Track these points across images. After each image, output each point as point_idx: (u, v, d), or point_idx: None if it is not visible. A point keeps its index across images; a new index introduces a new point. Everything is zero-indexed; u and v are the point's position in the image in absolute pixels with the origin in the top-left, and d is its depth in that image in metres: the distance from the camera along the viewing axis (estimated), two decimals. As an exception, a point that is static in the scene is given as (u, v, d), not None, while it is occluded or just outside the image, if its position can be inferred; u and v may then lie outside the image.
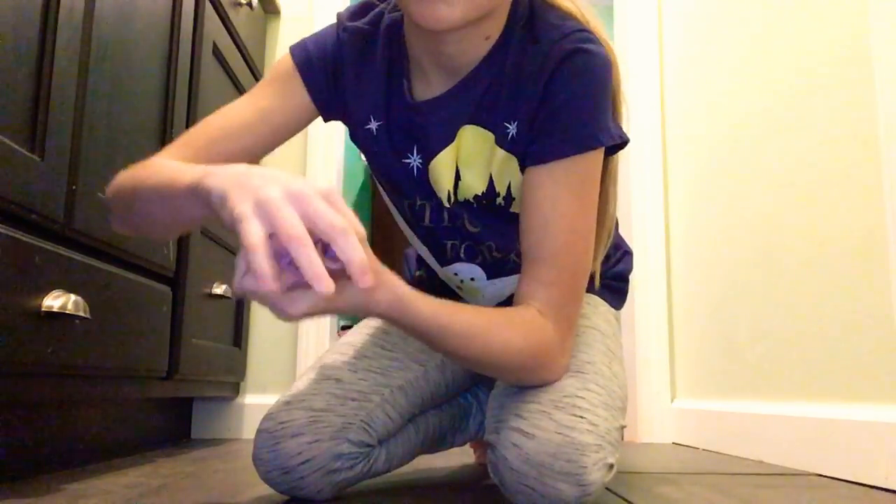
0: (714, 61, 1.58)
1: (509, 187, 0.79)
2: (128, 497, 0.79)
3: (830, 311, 1.08)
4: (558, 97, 0.71)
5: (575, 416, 0.67)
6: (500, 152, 0.77)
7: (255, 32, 1.80)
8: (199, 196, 0.55)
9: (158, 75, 1.21)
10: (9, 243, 0.77)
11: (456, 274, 0.88)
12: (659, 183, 1.83)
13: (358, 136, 0.83)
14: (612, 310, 0.93)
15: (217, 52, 1.48)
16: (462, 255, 0.86)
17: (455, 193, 0.80)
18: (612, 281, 0.96)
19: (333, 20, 0.83)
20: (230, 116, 0.78)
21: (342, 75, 0.80)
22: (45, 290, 0.83)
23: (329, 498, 0.78)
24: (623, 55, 1.94)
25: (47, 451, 1.01)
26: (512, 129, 0.75)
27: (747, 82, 1.40)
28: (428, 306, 0.64)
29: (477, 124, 0.77)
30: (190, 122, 1.33)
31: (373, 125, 0.80)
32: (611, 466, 0.69)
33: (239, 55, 1.66)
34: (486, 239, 0.83)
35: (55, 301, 0.84)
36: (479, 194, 0.79)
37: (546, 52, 0.72)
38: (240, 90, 1.67)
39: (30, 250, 0.81)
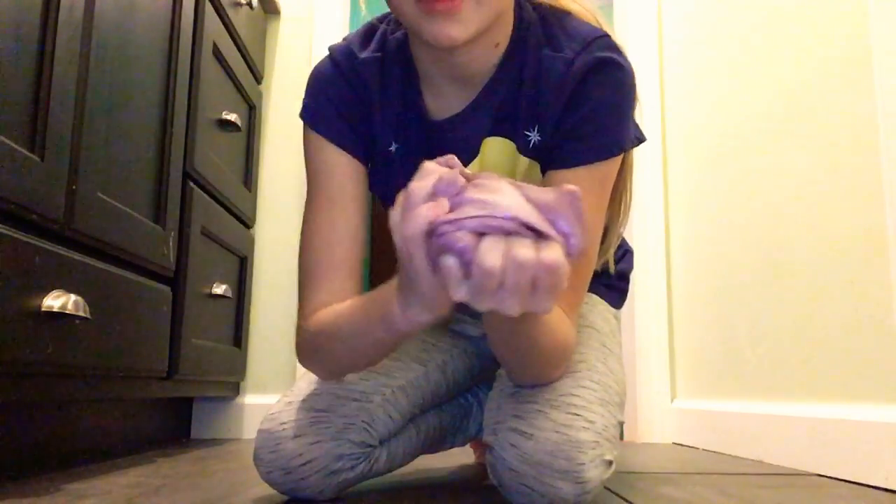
0: (714, 61, 1.58)
1: None
2: (128, 497, 0.79)
3: (830, 311, 1.08)
4: (587, 105, 0.71)
5: (571, 413, 0.68)
6: (524, 160, 0.77)
7: (255, 32, 1.80)
8: (393, 316, 0.57)
9: (158, 75, 1.21)
10: (9, 243, 0.77)
11: None
12: (659, 183, 1.83)
13: (379, 163, 0.81)
14: (611, 308, 0.93)
15: (217, 52, 1.48)
16: None
17: None
18: (614, 280, 0.96)
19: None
20: (319, 226, 0.77)
21: (354, 107, 0.78)
22: (45, 290, 0.83)
23: (330, 498, 0.78)
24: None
25: (47, 451, 1.01)
26: (534, 136, 0.75)
27: (747, 82, 1.40)
28: None
29: (498, 135, 0.77)
30: (190, 121, 1.33)
31: (393, 147, 0.80)
32: (609, 463, 0.69)
33: (239, 55, 1.66)
34: None
35: (55, 301, 0.84)
36: None
37: (571, 60, 0.72)
38: (240, 90, 1.67)
39: (30, 250, 0.81)
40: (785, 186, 1.23)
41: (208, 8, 1.42)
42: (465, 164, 0.78)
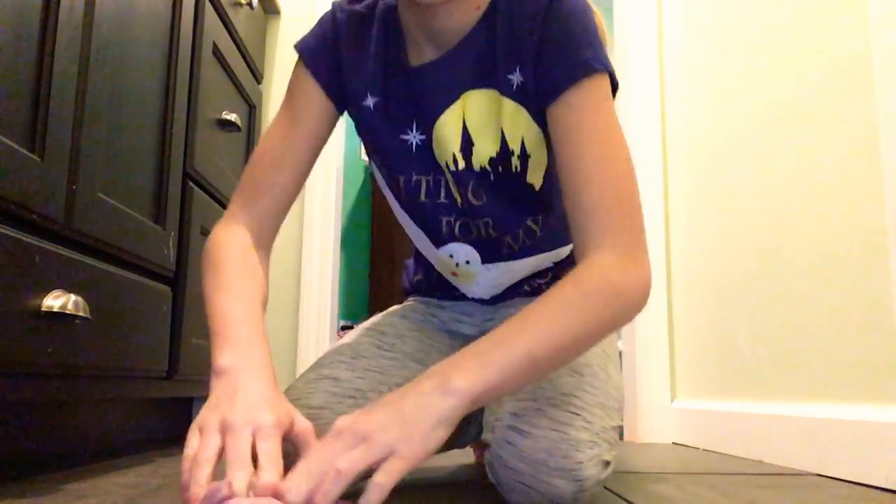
0: (714, 61, 1.58)
1: (523, 144, 0.79)
2: (128, 497, 0.79)
3: (830, 311, 1.08)
4: (556, 32, 0.73)
5: (570, 412, 0.68)
6: (509, 103, 0.77)
7: (255, 32, 1.80)
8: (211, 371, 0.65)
9: (158, 75, 1.21)
10: (9, 243, 0.77)
11: (451, 256, 0.89)
12: (659, 183, 1.83)
13: (357, 118, 0.85)
14: None
15: (217, 52, 1.48)
16: (457, 233, 0.86)
17: (469, 160, 0.80)
18: None
19: None
20: (273, 144, 0.81)
21: (340, 55, 0.83)
22: (45, 290, 0.83)
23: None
24: (623, 55, 1.94)
25: (47, 451, 1.01)
26: (516, 78, 0.76)
27: (747, 82, 1.40)
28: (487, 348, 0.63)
29: (480, 87, 0.78)
30: (190, 121, 1.33)
31: (370, 101, 0.82)
32: (607, 463, 0.69)
33: (239, 55, 1.66)
34: (485, 214, 0.83)
35: (55, 301, 0.84)
36: (494, 156, 0.79)
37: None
38: (240, 90, 1.67)
39: (30, 250, 0.81)
40: (785, 186, 1.23)
41: (208, 8, 1.42)
42: (444, 110, 0.80)
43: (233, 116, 1.52)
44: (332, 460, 0.54)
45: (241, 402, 0.59)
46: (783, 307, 1.22)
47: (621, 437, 1.77)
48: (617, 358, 0.85)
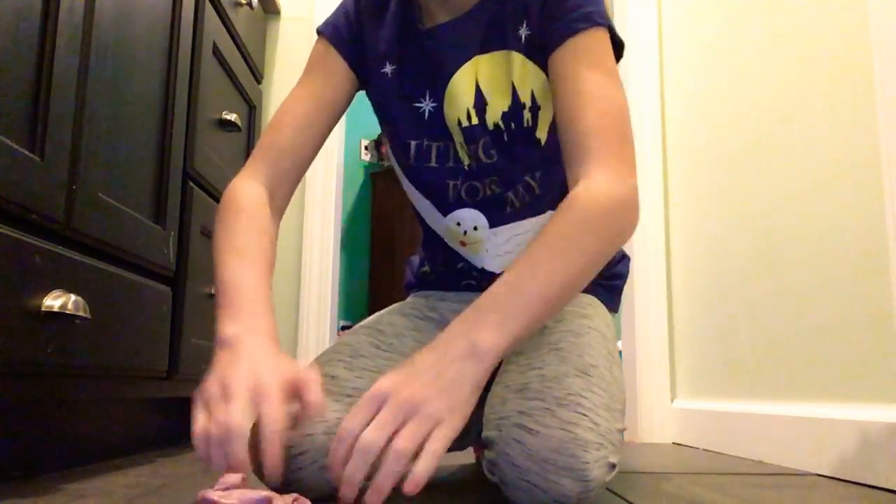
0: (714, 62, 1.58)
1: (533, 96, 0.84)
2: (128, 497, 0.79)
3: (830, 311, 1.08)
4: None
5: (578, 413, 0.68)
6: (517, 57, 0.83)
7: (255, 32, 1.80)
8: (215, 339, 0.66)
9: (158, 75, 1.21)
10: (9, 243, 0.77)
11: (458, 224, 0.91)
12: (659, 184, 1.83)
13: (375, 86, 0.89)
14: (609, 314, 0.94)
15: (217, 52, 1.48)
16: (463, 195, 0.89)
17: (482, 117, 0.85)
18: (610, 280, 0.96)
19: None
20: (296, 110, 0.86)
21: (362, 27, 0.88)
22: (45, 290, 0.83)
23: (326, 497, 0.78)
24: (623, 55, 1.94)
25: (47, 451, 1.01)
26: (524, 31, 0.82)
27: (747, 82, 1.40)
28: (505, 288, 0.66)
29: (490, 51, 0.84)
30: (190, 121, 1.33)
31: (388, 68, 0.88)
32: (613, 466, 0.69)
33: (239, 55, 1.66)
34: (492, 172, 0.87)
35: (55, 301, 0.84)
36: (506, 111, 0.84)
37: None
38: (240, 90, 1.67)
39: (30, 250, 0.81)
40: (785, 186, 1.23)
41: (208, 8, 1.42)
42: (458, 68, 0.84)
43: (233, 116, 1.52)
44: (383, 431, 0.57)
45: (243, 368, 0.61)
46: (783, 307, 1.22)
47: (622, 439, 1.77)
48: (618, 359, 0.86)
